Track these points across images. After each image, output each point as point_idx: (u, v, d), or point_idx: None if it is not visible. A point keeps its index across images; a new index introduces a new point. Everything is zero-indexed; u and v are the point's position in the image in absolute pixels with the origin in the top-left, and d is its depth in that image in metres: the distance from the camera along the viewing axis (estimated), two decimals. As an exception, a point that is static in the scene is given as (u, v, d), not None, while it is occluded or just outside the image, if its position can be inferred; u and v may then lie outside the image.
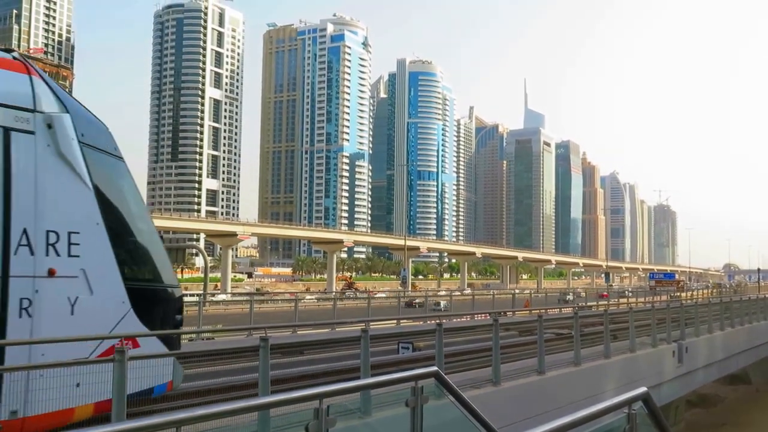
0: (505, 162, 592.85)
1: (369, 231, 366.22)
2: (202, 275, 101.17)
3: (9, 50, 14.31)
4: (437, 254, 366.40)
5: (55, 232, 12.95)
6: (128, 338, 13.39)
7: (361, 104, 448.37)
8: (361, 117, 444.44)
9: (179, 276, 75.49)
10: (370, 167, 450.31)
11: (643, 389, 8.47)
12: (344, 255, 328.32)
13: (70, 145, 13.54)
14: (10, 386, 11.51)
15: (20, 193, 12.64)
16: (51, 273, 12.77)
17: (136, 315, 14.19)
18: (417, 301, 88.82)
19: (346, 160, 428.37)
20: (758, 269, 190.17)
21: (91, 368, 11.91)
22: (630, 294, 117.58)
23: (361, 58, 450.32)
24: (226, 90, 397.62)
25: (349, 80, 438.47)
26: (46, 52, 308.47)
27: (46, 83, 13.93)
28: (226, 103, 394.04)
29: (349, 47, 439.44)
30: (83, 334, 12.94)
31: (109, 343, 13.04)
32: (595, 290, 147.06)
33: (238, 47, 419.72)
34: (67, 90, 13.58)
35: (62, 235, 13.05)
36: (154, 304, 15.38)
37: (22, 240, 12.52)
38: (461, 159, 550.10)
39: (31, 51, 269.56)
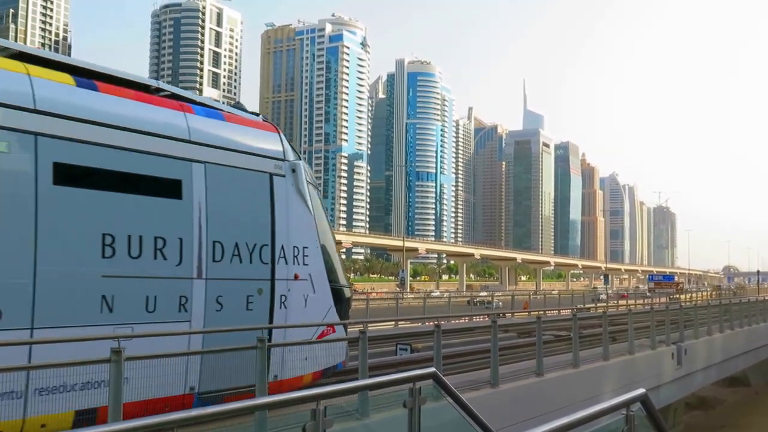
0: (504, 163, 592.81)
1: (367, 232, 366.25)
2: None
3: (256, 113, 19.98)
4: (435, 255, 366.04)
5: (296, 247, 17.87)
6: (330, 325, 18.61)
7: (360, 104, 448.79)
8: (359, 117, 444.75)
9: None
10: (369, 168, 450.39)
11: (641, 391, 8.50)
12: (343, 256, 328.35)
13: (303, 184, 18.36)
14: (274, 358, 15.87)
15: (278, 220, 17.54)
16: (295, 277, 17.77)
17: (335, 308, 18.93)
18: (478, 299, 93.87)
19: (345, 161, 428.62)
20: (758, 271, 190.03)
21: (313, 347, 17.44)
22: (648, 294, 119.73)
23: (360, 59, 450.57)
24: (223, 90, 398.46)
25: (347, 80, 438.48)
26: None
27: (286, 138, 19.26)
28: (224, 103, 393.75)
29: (348, 47, 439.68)
30: (309, 321, 17.79)
31: (323, 328, 18.14)
32: (615, 292, 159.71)
33: (236, 47, 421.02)
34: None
35: (300, 250, 17.99)
36: (341, 299, 19.63)
37: (280, 253, 17.40)
38: (460, 160, 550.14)
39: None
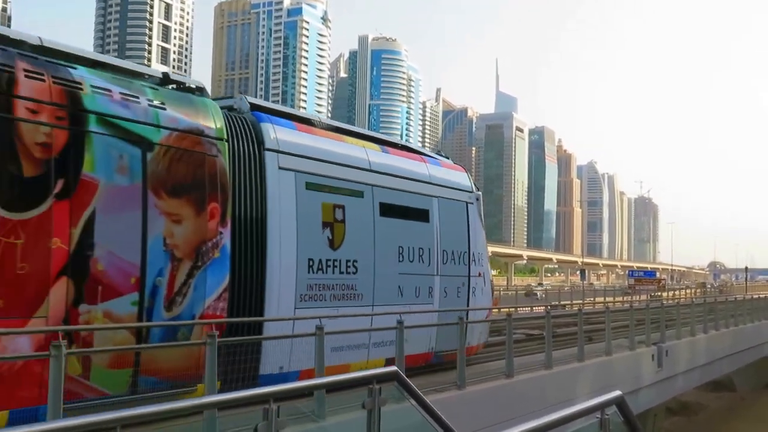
0: (474, 149, 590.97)
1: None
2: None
3: (447, 157, 29.27)
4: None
5: (479, 253, 26.80)
6: (490, 309, 28.55)
7: (320, 84, 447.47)
8: (319, 98, 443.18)
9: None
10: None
11: (617, 393, 8.58)
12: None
13: (481, 209, 27.42)
14: (468, 330, 23.12)
15: (471, 234, 26.46)
16: (479, 274, 26.69)
17: (491, 297, 29.38)
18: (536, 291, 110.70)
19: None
20: (746, 268, 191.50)
21: (483, 324, 26.53)
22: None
23: (320, 34, 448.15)
24: (173, 67, 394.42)
25: (306, 58, 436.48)
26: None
27: (469, 175, 28.76)
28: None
29: (308, 22, 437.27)
30: (482, 306, 27.28)
31: (485, 313, 27.33)
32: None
33: (188, 21, 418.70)
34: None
35: (479, 255, 26.81)
36: (493, 290, 31.10)
37: (472, 258, 26.14)
38: (427, 144, 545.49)
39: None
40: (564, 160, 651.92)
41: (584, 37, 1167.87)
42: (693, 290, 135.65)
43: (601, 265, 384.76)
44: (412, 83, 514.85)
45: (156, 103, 16.20)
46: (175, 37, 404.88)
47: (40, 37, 15.47)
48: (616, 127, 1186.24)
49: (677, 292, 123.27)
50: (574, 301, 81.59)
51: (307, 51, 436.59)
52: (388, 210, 22.26)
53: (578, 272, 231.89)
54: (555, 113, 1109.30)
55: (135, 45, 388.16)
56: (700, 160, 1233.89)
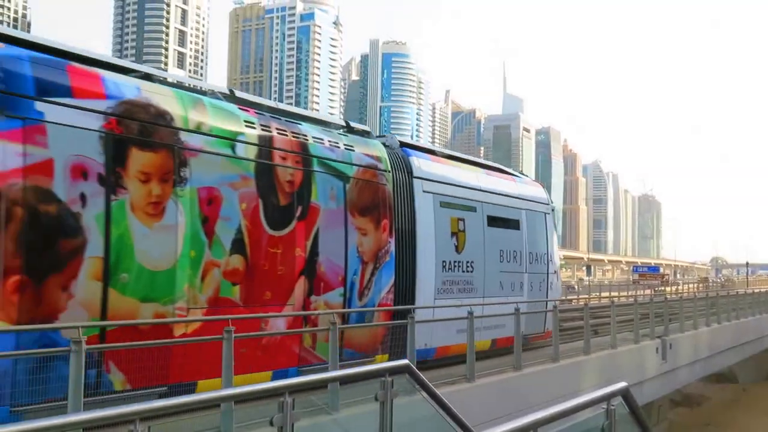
0: (482, 148, 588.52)
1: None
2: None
3: (525, 174, 36.07)
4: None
5: (553, 254, 31.84)
6: (553, 301, 30.78)
7: (332, 86, 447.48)
8: (331, 100, 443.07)
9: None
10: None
11: (622, 384, 8.57)
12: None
13: (553, 217, 32.33)
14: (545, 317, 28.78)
15: (548, 239, 31.36)
16: (554, 272, 31.93)
17: (560, 291, 36.22)
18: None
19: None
20: (747, 263, 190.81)
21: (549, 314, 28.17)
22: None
23: (333, 38, 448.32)
24: (189, 71, 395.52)
25: (319, 61, 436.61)
26: None
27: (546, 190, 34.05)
28: (190, 85, 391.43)
29: (320, 26, 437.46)
30: (554, 298, 31.60)
31: (552, 304, 29.12)
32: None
33: (203, 26, 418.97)
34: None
35: (553, 255, 32.00)
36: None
37: (550, 258, 31.21)
38: (436, 144, 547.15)
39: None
40: (569, 159, 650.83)
41: (589, 39, 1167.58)
42: (696, 285, 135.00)
43: (606, 261, 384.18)
44: (422, 85, 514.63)
45: (348, 146, 21.33)
46: (191, 42, 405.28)
47: (277, 105, 22.35)
48: (620, 126, 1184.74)
49: (680, 287, 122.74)
50: (581, 296, 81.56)
51: (319, 55, 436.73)
52: (492, 221, 27.38)
53: (584, 268, 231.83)
54: (560, 112, 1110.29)
55: (152, 50, 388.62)
56: (700, 159, 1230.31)
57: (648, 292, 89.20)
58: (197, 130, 16.61)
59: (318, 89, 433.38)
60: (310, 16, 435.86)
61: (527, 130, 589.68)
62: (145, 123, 15.54)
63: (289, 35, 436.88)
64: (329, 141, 20.54)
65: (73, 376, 11.16)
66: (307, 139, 19.63)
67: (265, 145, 18.23)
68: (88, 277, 14.19)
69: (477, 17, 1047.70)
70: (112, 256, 14.61)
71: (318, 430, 12.00)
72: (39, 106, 13.71)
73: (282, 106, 22.12)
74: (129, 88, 15.53)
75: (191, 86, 20.09)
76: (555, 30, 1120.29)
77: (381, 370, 9.67)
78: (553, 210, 32.75)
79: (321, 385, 12.86)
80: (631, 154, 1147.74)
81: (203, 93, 18.62)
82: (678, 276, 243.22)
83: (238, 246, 17.27)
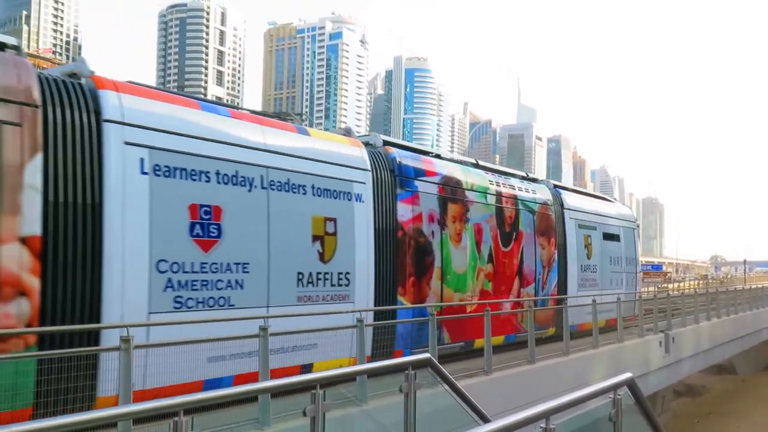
0: (498, 156, 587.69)
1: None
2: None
3: (615, 199, 51.58)
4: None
5: (638, 259, 39.02)
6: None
7: (359, 100, 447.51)
8: (358, 113, 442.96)
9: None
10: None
11: (628, 375, 8.62)
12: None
13: (638, 231, 41.56)
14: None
15: (636, 248, 38.80)
16: (639, 272, 39.77)
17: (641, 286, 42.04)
18: None
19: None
20: (744, 260, 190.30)
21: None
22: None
23: (359, 56, 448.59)
24: (228, 87, 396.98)
25: (347, 77, 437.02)
26: (54, 52, 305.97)
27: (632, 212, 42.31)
28: (228, 101, 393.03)
29: (347, 44, 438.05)
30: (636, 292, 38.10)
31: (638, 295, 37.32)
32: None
33: (240, 46, 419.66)
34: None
35: (638, 260, 39.32)
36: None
37: (635, 261, 38.42)
38: (455, 153, 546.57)
39: (39, 51, 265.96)
40: (578, 165, 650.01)
41: (595, 52, 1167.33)
42: (696, 282, 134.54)
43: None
44: (442, 98, 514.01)
45: (533, 190, 29.18)
46: (228, 61, 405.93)
47: (495, 166, 31.22)
48: (625, 133, 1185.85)
49: (682, 284, 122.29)
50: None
51: (347, 71, 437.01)
52: (605, 236, 34.53)
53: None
54: (570, 122, 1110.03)
55: (193, 68, 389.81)
56: (701, 163, 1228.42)
57: (651, 289, 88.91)
58: (471, 189, 24.79)
59: (346, 103, 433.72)
60: (338, 35, 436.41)
61: (539, 139, 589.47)
62: (453, 187, 23.81)
63: (319, 53, 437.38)
64: (525, 189, 28.52)
65: (123, 372, 11.05)
66: (514, 189, 27.64)
67: (498, 195, 26.28)
68: (435, 278, 22.34)
69: (493, 34, 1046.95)
70: (444, 266, 22.75)
71: (347, 420, 12.02)
72: (416, 182, 22.01)
73: (497, 166, 31.89)
74: (443, 166, 24.00)
75: (459, 160, 27.11)
76: (564, 45, 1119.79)
77: (404, 364, 9.72)
78: (638, 226, 40.11)
79: (350, 378, 12.93)
80: (635, 159, 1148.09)
81: (462, 163, 26.45)
82: (680, 273, 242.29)
83: (490, 258, 25.27)
